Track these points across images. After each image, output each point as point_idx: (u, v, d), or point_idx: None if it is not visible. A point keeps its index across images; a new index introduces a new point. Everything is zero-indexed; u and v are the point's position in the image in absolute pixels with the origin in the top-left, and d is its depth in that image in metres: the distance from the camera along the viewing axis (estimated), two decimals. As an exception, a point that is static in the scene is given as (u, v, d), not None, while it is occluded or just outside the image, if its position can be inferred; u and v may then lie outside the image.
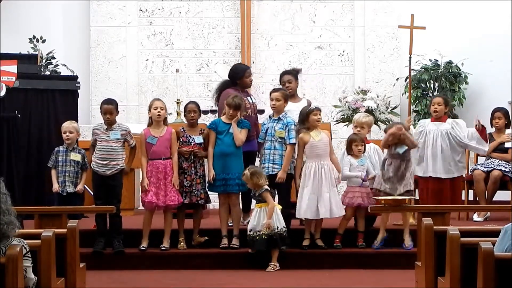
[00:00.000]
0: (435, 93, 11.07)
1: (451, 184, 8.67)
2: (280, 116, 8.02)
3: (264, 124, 8.10)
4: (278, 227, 7.56)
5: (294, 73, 8.66)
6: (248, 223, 7.89)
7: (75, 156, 8.18)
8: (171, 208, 7.98)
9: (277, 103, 8.02)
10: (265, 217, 7.53)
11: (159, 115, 7.95)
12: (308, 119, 7.98)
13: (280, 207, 7.69)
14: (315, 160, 7.95)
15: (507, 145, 9.40)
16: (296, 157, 8.06)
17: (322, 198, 7.86)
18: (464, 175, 9.06)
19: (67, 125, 8.31)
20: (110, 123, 7.97)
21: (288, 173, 7.93)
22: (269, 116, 8.15)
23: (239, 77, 8.44)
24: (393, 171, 7.89)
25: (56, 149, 8.27)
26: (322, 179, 7.90)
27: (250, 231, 7.60)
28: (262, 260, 7.66)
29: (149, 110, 8.08)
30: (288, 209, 8.00)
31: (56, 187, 8.13)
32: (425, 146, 8.68)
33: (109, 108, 7.95)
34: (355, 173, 8.05)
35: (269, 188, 7.62)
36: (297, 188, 8.01)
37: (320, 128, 8.07)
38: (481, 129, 8.67)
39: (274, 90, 8.19)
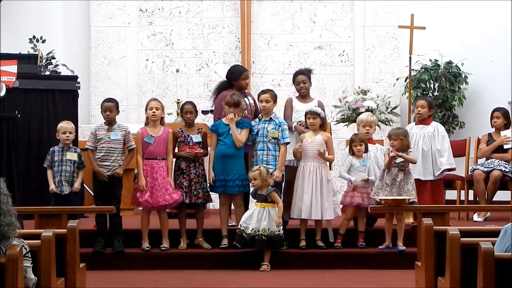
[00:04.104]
0: (435, 93, 11.07)
1: (431, 187, 8.53)
2: (271, 116, 8.02)
3: (253, 126, 8.07)
4: (280, 229, 7.60)
5: (308, 73, 8.59)
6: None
7: (71, 156, 8.16)
8: (167, 208, 7.99)
9: (267, 105, 8.01)
10: (267, 217, 7.54)
11: (154, 115, 7.97)
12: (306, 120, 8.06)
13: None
14: (304, 161, 7.98)
15: (505, 147, 9.40)
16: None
17: (309, 199, 7.89)
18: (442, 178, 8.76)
19: (66, 125, 8.28)
20: (110, 122, 7.98)
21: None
22: (258, 118, 8.14)
23: (235, 79, 8.44)
24: (389, 179, 7.85)
25: (51, 149, 8.25)
26: (312, 180, 7.91)
27: (251, 230, 7.56)
28: (255, 259, 7.67)
29: (146, 109, 8.11)
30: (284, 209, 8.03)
31: (52, 187, 8.12)
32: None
33: (109, 105, 7.97)
34: (348, 176, 8.05)
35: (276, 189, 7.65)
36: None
37: (320, 131, 8.06)
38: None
39: (263, 92, 8.16)
